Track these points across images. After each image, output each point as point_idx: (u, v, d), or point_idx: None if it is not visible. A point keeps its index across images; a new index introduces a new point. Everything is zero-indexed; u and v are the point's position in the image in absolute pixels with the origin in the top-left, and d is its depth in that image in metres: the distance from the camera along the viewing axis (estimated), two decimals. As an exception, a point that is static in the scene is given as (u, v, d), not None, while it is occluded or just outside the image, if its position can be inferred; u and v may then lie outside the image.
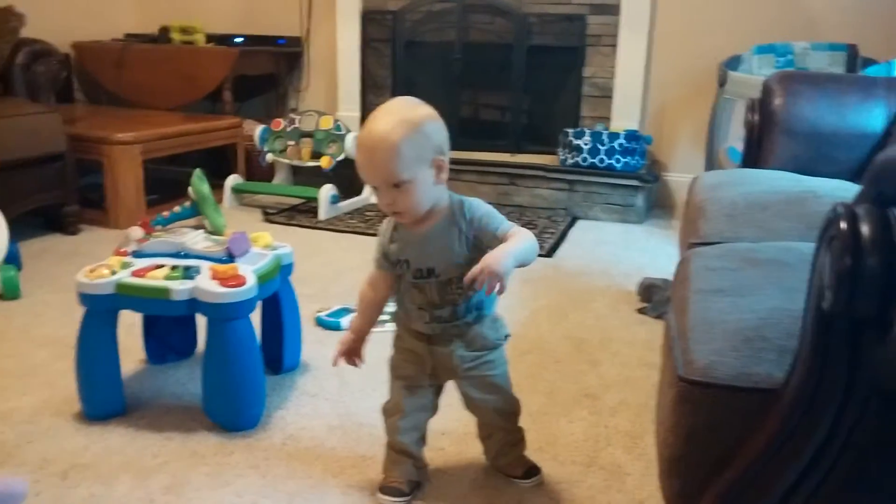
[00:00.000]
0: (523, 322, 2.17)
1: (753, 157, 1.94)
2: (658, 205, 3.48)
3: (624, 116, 3.40)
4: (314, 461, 1.45)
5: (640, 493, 1.37)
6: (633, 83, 3.37)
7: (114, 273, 1.51)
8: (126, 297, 1.49)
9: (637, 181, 3.24)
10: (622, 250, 2.90)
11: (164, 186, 3.23)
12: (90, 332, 1.53)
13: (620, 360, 1.93)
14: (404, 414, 1.35)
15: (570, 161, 3.31)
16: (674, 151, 3.50)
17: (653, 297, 2.25)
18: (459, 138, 3.63)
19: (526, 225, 3.16)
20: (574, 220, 3.31)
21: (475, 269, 1.09)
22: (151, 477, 1.38)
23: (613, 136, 3.23)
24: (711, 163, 2.90)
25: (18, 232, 2.39)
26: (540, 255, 2.77)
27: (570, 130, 3.31)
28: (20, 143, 2.64)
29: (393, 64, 3.76)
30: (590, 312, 2.25)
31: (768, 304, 0.91)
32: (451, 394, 1.73)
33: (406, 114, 1.14)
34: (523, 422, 1.60)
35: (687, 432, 0.82)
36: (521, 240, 1.16)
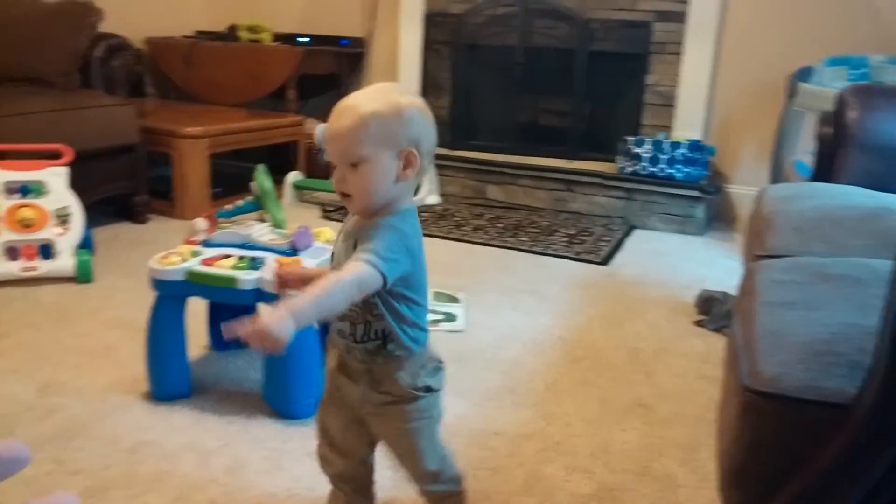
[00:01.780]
0: (578, 328, 2.16)
1: (824, 170, 1.90)
2: (718, 217, 3.42)
3: (686, 126, 3.35)
4: (368, 453, 1.47)
5: (694, 505, 1.36)
6: (697, 92, 3.33)
7: (184, 261, 1.57)
8: (195, 284, 1.55)
9: (698, 192, 3.19)
10: (680, 261, 2.86)
11: (228, 180, 3.32)
12: (161, 316, 1.59)
13: (676, 372, 1.91)
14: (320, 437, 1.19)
15: (629, 169, 3.28)
16: (737, 163, 3.43)
17: (711, 309, 2.22)
18: (517, 143, 3.69)
19: (581, 232, 3.15)
20: (631, 229, 3.28)
21: (246, 326, 0.87)
22: (213, 457, 1.43)
23: (675, 145, 3.19)
24: (777, 175, 2.84)
25: (91, 219, 2.49)
26: (595, 263, 2.77)
27: (630, 138, 3.28)
28: (96, 134, 2.75)
29: (454, 67, 3.78)
30: (645, 322, 2.23)
31: (839, 319, 0.90)
32: (499, 395, 1.74)
33: (393, 94, 1.02)
34: (576, 427, 1.60)
35: (750, 443, 0.81)
36: (336, 281, 0.94)
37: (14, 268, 2.24)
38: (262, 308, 0.88)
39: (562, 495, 1.37)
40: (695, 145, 3.19)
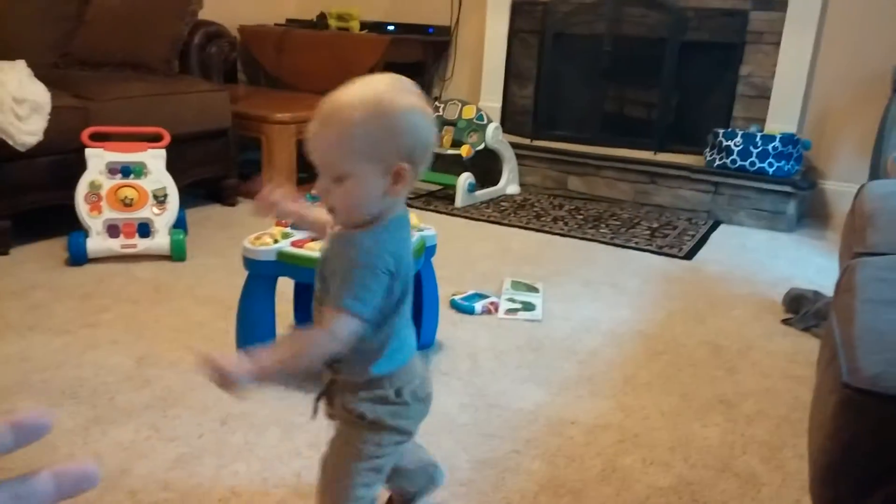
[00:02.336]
0: (658, 322, 2.13)
1: (930, 167, 1.80)
2: (811, 213, 3.28)
3: (781, 119, 3.23)
4: (445, 434, 1.50)
5: (777, 506, 1.32)
6: (794, 84, 3.19)
7: (276, 242, 1.63)
8: (285, 264, 1.61)
9: (790, 187, 3.07)
10: (768, 258, 2.77)
11: (312, 166, 3.40)
12: (252, 294, 1.66)
13: (761, 370, 1.85)
14: None
15: (717, 162, 3.19)
16: (834, 158, 3.28)
17: (800, 308, 2.14)
18: (601, 133, 3.64)
19: (664, 226, 3.08)
20: (716, 224, 3.18)
21: (213, 357, 0.85)
22: (297, 432, 1.48)
23: (768, 138, 3.08)
24: (877, 172, 2.70)
25: (184, 200, 2.60)
26: (678, 257, 2.71)
27: (721, 130, 3.19)
28: (192, 119, 2.87)
29: (539, 55, 3.75)
30: (729, 319, 2.17)
31: (947, 319, 0.85)
32: (577, 385, 1.73)
33: (387, 96, 0.89)
34: (655, 421, 1.58)
35: (847, 441, 0.78)
36: (308, 343, 0.91)
37: (115, 244, 2.37)
38: (234, 354, 0.86)
39: (639, 487, 1.35)
40: (789, 139, 3.07)
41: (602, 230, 3.02)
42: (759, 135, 3.10)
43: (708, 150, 3.24)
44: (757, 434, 1.55)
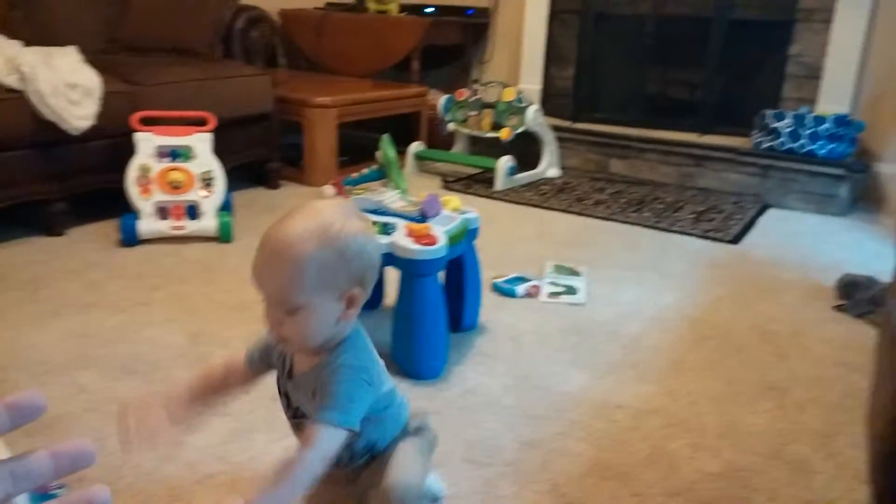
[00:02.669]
0: (704, 307, 2.10)
1: None
2: (864, 197, 3.19)
3: (832, 99, 3.13)
4: (490, 415, 1.51)
5: (830, 493, 1.30)
6: (847, 63, 3.09)
7: (322, 223, 1.64)
8: (331, 245, 1.62)
9: (842, 170, 2.99)
10: (819, 243, 2.70)
11: (352, 149, 3.42)
12: (298, 274, 1.68)
13: (812, 357, 1.81)
14: None
15: (765, 144, 3.12)
16: (889, 140, 3.17)
17: (854, 294, 2.09)
18: (643, 115, 3.59)
19: (709, 210, 3.03)
20: (764, 207, 3.12)
21: None
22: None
23: (819, 119, 3.00)
24: (934, 153, 2.61)
25: (229, 183, 2.63)
26: (724, 242, 2.67)
27: (769, 112, 3.11)
28: (236, 103, 2.90)
29: (580, 37, 3.71)
30: (779, 305, 2.13)
31: None
32: (621, 369, 1.72)
33: (333, 224, 0.89)
34: (702, 406, 1.57)
35: (910, 428, 0.77)
36: (303, 463, 0.90)
37: (164, 226, 2.42)
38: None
39: (687, 471, 1.34)
40: (841, 120, 2.98)
41: (645, 214, 2.98)
42: (809, 116, 3.02)
43: (755, 131, 3.17)
44: (809, 421, 1.53)
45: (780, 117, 3.06)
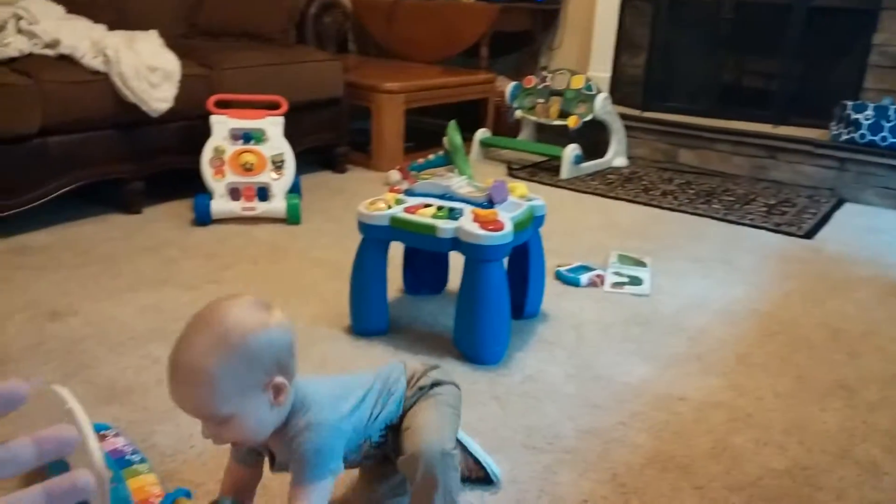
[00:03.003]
0: (773, 302, 2.05)
1: None
2: (947, 194, 3.04)
3: (918, 90, 2.99)
4: (549, 402, 1.51)
5: (901, 497, 1.26)
6: (935, 52, 2.95)
7: (389, 207, 1.67)
8: (398, 229, 1.65)
9: (925, 165, 2.86)
10: (897, 240, 2.60)
11: (419, 135, 3.45)
12: (365, 257, 1.72)
13: (886, 356, 1.75)
14: None
15: (844, 137, 3.00)
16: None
17: (933, 293, 2.00)
18: (716, 105, 3.50)
19: (782, 203, 2.95)
20: (840, 202, 3.01)
21: None
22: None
23: (902, 111, 2.87)
24: None
25: (298, 167, 2.69)
26: (797, 236, 2.59)
27: (849, 103, 2.99)
28: (308, 87, 2.96)
29: (653, 23, 3.63)
30: (852, 302, 2.06)
31: None
32: (685, 362, 1.70)
33: (228, 330, 0.86)
34: (769, 402, 1.54)
35: None
36: None
37: (236, 207, 2.50)
38: None
39: (751, 467, 1.32)
40: (926, 112, 2.85)
41: (714, 206, 2.91)
42: (892, 108, 2.89)
43: (834, 123, 3.06)
44: (880, 422, 1.48)
45: (860, 109, 2.94)
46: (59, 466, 0.39)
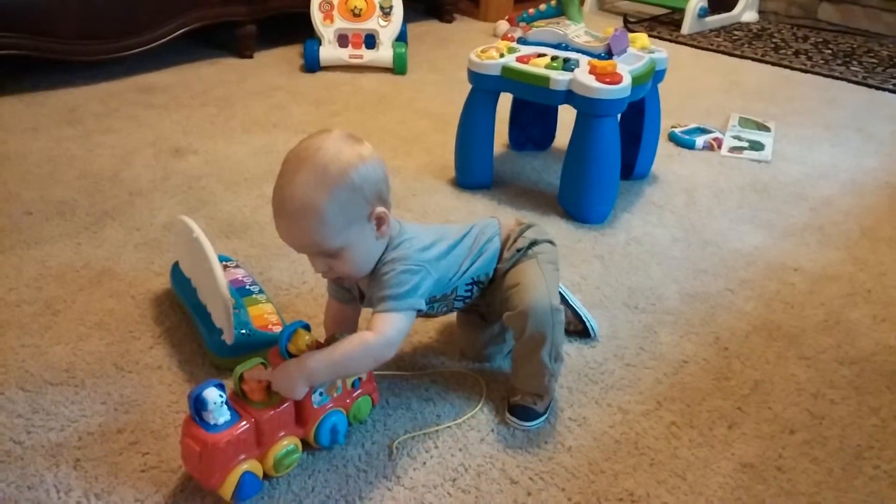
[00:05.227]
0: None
1: None
2: None
3: None
4: (654, 264, 1.48)
5: None
6: None
7: (501, 56, 1.60)
8: (509, 80, 1.59)
9: None
10: None
11: None
12: (473, 108, 1.67)
13: None
14: None
15: None
16: None
17: None
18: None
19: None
20: None
21: (268, 378, 0.91)
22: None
23: None
24: None
25: (405, 14, 2.61)
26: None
27: None
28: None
29: None
30: None
31: None
32: (804, 232, 1.61)
33: (328, 164, 0.88)
34: (892, 278, 1.45)
35: None
36: (360, 345, 0.91)
37: (344, 54, 2.48)
38: (281, 367, 0.90)
39: (865, 342, 1.27)
40: None
41: (853, 68, 2.65)
42: None
43: None
44: None
45: None
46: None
